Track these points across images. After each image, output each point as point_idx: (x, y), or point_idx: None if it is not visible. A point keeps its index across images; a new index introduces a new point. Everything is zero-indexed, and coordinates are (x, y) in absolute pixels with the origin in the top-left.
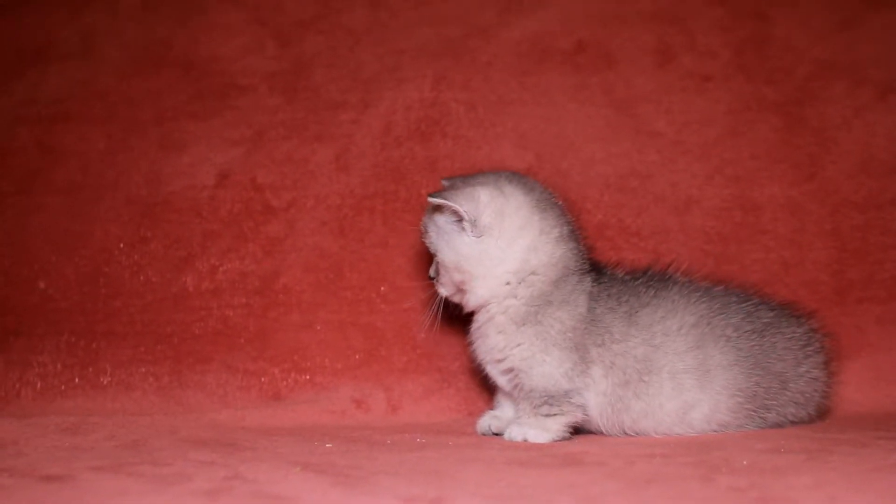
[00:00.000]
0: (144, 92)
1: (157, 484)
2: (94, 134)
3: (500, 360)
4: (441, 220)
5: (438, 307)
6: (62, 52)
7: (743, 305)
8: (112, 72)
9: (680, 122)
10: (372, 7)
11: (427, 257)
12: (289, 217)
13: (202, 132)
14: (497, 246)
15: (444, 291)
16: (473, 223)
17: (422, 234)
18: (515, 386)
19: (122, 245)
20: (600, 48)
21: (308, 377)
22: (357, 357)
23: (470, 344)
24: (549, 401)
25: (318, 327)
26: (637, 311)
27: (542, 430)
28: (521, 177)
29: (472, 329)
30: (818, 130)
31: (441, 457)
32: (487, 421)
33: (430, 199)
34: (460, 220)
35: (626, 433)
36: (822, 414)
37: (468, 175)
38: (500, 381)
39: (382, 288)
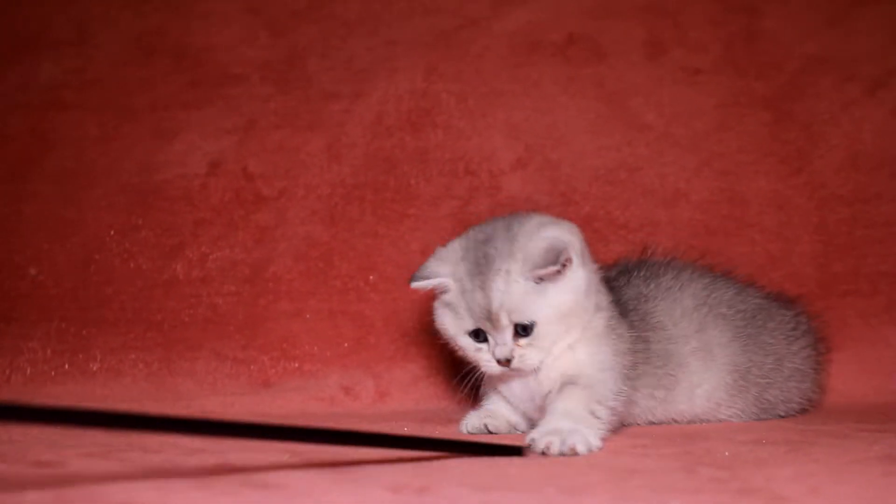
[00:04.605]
0: (138, 80)
1: (147, 470)
2: (88, 122)
3: None
4: None
5: None
6: (56, 39)
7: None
8: (106, 60)
9: (669, 116)
10: None
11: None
12: (279, 206)
13: (195, 121)
14: None
15: None
16: None
17: None
18: None
19: (113, 232)
20: (591, 41)
21: (297, 365)
22: (346, 345)
23: None
24: None
25: (308, 316)
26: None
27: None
28: None
29: None
30: (806, 125)
31: None
32: (480, 420)
33: None
34: None
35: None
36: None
37: None
38: None
39: (371, 277)
